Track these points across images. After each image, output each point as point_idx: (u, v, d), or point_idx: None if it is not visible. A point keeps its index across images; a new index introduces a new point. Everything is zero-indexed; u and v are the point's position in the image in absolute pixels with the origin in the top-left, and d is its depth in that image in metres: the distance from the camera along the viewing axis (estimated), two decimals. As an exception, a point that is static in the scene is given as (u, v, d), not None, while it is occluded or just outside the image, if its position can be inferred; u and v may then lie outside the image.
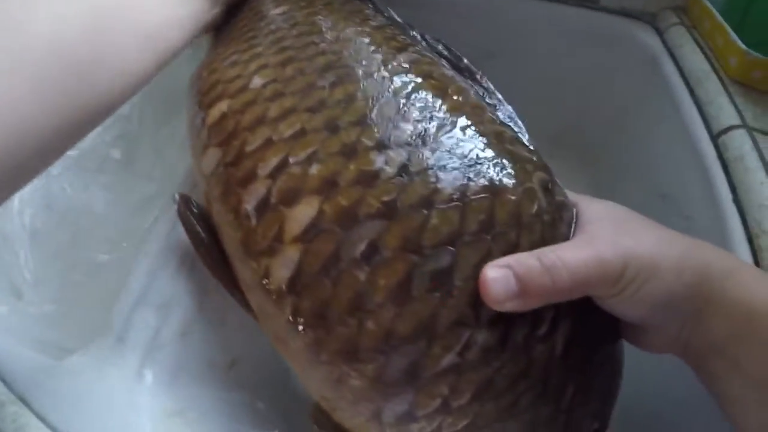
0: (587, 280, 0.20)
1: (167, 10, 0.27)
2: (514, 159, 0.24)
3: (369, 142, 0.23)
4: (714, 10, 0.43)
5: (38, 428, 0.24)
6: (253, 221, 0.23)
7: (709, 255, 0.21)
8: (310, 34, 0.29)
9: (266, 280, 0.22)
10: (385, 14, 0.33)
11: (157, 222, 0.33)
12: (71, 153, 0.44)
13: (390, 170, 0.22)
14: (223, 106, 0.27)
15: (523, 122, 0.27)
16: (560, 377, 0.22)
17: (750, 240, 0.32)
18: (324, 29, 0.30)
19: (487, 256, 0.21)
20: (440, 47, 0.30)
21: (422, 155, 0.22)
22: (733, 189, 0.35)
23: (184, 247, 0.31)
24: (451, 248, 0.21)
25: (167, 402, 0.27)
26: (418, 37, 0.31)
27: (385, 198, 0.21)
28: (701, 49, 0.43)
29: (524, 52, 0.48)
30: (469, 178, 0.22)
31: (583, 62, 0.48)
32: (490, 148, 0.23)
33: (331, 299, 0.21)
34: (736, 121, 0.37)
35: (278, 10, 0.34)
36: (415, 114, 0.24)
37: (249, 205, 0.23)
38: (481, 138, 0.24)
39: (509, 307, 0.20)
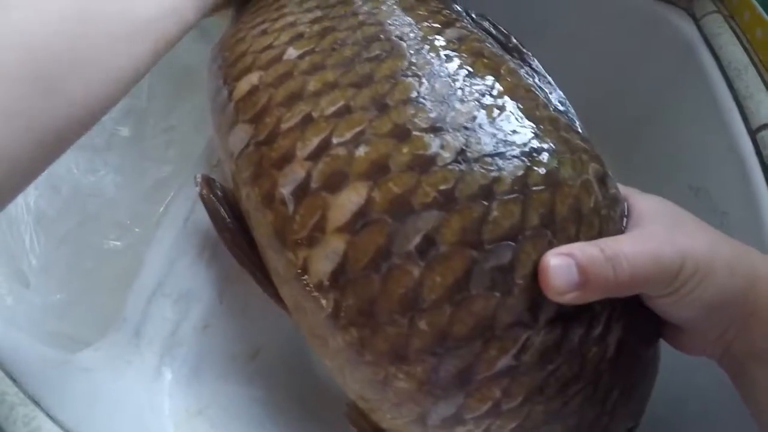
0: (646, 276, 0.19)
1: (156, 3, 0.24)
2: (571, 149, 0.22)
3: (423, 124, 0.21)
4: (754, 1, 0.42)
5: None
6: (290, 208, 0.21)
7: (757, 261, 0.21)
8: (347, 4, 0.27)
9: (304, 273, 0.21)
10: None
11: (172, 206, 0.31)
12: None
13: (447, 155, 0.20)
14: (253, 79, 0.25)
15: None
16: (609, 380, 0.22)
17: (789, 242, 0.31)
18: (362, 0, 0.27)
19: None
20: (486, 24, 0.28)
21: (480, 140, 0.20)
22: (772, 187, 0.34)
23: (203, 233, 0.29)
24: (512, 243, 0.19)
25: (189, 401, 0.26)
26: (463, 12, 0.29)
27: (443, 186, 0.20)
28: (739, 40, 0.42)
29: (557, 34, 0.47)
30: (529, 168, 0.20)
31: (618, 46, 0.46)
32: (547, 135, 0.22)
33: (379, 296, 0.19)
34: (778, 118, 0.36)
35: None
36: (470, 94, 0.22)
37: (285, 189, 0.21)
38: (537, 124, 0.22)
39: (568, 298, 0.19)
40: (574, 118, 0.25)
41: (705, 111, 0.40)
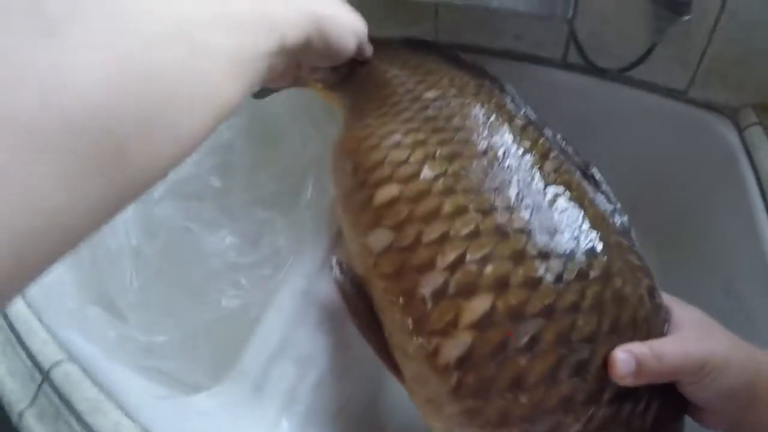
0: (680, 369, 0.26)
1: (229, 55, 0.21)
2: (631, 269, 0.29)
3: (533, 251, 0.28)
4: (792, 118, 0.47)
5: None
6: (429, 305, 0.28)
7: (761, 359, 0.28)
8: (468, 131, 0.34)
9: (435, 356, 0.27)
10: (522, 109, 0.38)
11: (290, 276, 0.36)
12: (168, 177, 0.47)
13: (550, 277, 0.27)
14: (393, 190, 0.31)
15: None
16: None
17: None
18: (479, 126, 0.34)
19: None
20: (570, 150, 0.35)
21: (573, 265, 0.28)
22: (794, 296, 0.39)
23: (322, 307, 0.35)
24: (590, 344, 0.26)
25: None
26: (551, 136, 0.36)
27: (547, 301, 0.27)
28: (776, 153, 0.47)
29: (610, 132, 0.52)
30: (604, 288, 0.28)
31: (664, 149, 0.52)
32: (615, 259, 0.29)
33: (494, 377, 0.26)
34: (802, 233, 0.42)
35: (431, 94, 0.37)
36: (565, 228, 0.29)
37: (425, 290, 0.28)
38: (609, 250, 0.29)
39: (627, 381, 0.26)
40: (634, 239, 0.32)
41: (740, 218, 0.45)
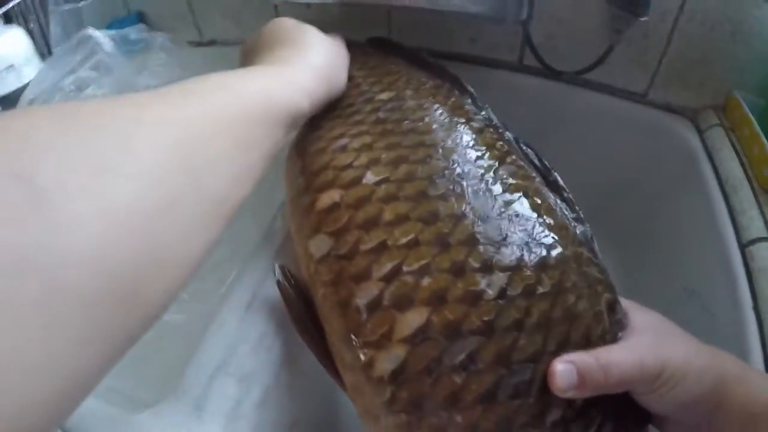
0: (631, 379, 0.25)
1: (234, 170, 0.22)
2: (589, 283, 0.28)
3: (475, 264, 0.26)
4: (752, 118, 0.47)
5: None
6: (364, 316, 0.27)
7: (726, 363, 0.26)
8: (420, 133, 0.33)
9: (370, 368, 0.26)
10: (482, 111, 0.37)
11: (233, 290, 0.35)
12: None
13: (491, 293, 0.26)
14: (334, 195, 0.30)
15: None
16: None
17: (764, 346, 0.36)
18: (431, 129, 0.33)
19: None
20: (531, 153, 0.34)
21: (518, 281, 0.26)
22: (755, 297, 0.39)
23: (265, 321, 0.34)
24: (533, 364, 0.25)
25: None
26: (512, 139, 0.35)
27: (486, 318, 0.25)
28: (738, 155, 0.47)
29: (572, 135, 0.52)
30: (553, 305, 0.26)
31: (625, 152, 0.51)
32: (570, 273, 0.27)
33: (428, 394, 0.25)
34: (764, 233, 0.41)
35: (384, 96, 0.36)
36: (515, 239, 0.27)
37: (361, 300, 0.27)
38: (564, 263, 0.27)
39: (569, 394, 0.24)
40: (596, 249, 0.30)
41: (702, 220, 0.45)
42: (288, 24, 0.36)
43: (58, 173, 0.15)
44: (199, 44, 0.66)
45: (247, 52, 0.36)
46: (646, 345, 0.26)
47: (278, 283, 0.32)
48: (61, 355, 0.14)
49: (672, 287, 0.46)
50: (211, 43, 0.66)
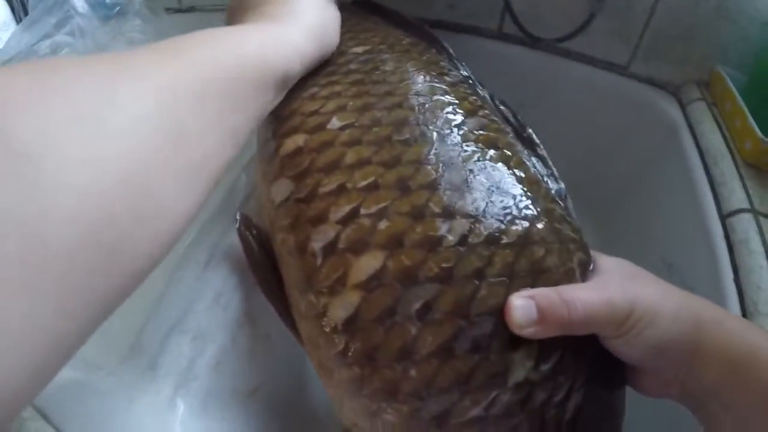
0: (597, 318, 0.23)
1: (222, 129, 0.22)
2: (560, 239, 0.26)
3: (436, 209, 0.25)
4: (735, 92, 0.46)
5: (62, 450, 0.23)
6: (319, 260, 0.25)
7: (701, 306, 0.24)
8: (387, 83, 0.31)
9: (323, 316, 0.24)
10: (459, 68, 0.35)
11: (192, 250, 0.34)
12: None
13: (451, 238, 0.24)
14: (299, 140, 0.29)
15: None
16: None
17: (745, 317, 0.35)
18: (402, 80, 0.32)
19: None
20: (506, 110, 0.32)
21: (481, 228, 0.24)
22: (735, 269, 0.37)
23: (222, 279, 0.32)
24: (494, 318, 0.23)
25: (198, 431, 0.28)
26: (487, 97, 0.33)
27: (444, 264, 0.23)
28: (720, 128, 0.46)
29: (550, 107, 0.51)
30: (518, 255, 0.24)
31: (606, 123, 0.50)
32: (541, 226, 0.26)
33: (381, 344, 0.23)
34: (745, 204, 0.40)
35: (359, 49, 0.35)
36: (479, 186, 0.26)
37: (317, 244, 0.25)
38: (534, 215, 0.26)
39: (528, 332, 0.22)
40: (570, 208, 0.28)
41: (682, 192, 0.44)
42: None
43: (37, 127, 0.14)
44: (178, 10, 0.64)
45: (235, 9, 0.34)
46: (615, 284, 0.24)
47: (238, 230, 0.30)
48: (42, 313, 0.14)
49: (651, 260, 0.44)
50: (190, 9, 0.64)
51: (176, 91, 0.19)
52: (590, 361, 0.25)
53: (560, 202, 0.28)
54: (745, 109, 0.44)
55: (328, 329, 0.24)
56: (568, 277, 0.25)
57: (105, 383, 0.28)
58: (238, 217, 0.31)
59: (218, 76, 0.22)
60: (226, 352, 0.32)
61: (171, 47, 0.21)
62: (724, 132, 0.46)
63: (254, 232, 0.31)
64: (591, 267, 0.26)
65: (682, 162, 0.45)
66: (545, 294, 0.23)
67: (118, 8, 0.59)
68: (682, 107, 0.48)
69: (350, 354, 0.24)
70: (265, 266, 0.29)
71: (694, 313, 0.23)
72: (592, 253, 0.28)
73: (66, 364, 0.16)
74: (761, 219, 0.39)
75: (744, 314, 0.35)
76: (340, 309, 0.24)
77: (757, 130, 0.42)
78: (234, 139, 0.23)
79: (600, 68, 0.49)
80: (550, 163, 0.30)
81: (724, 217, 0.40)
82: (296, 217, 0.27)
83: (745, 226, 0.39)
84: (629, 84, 0.49)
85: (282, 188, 0.28)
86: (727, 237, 0.39)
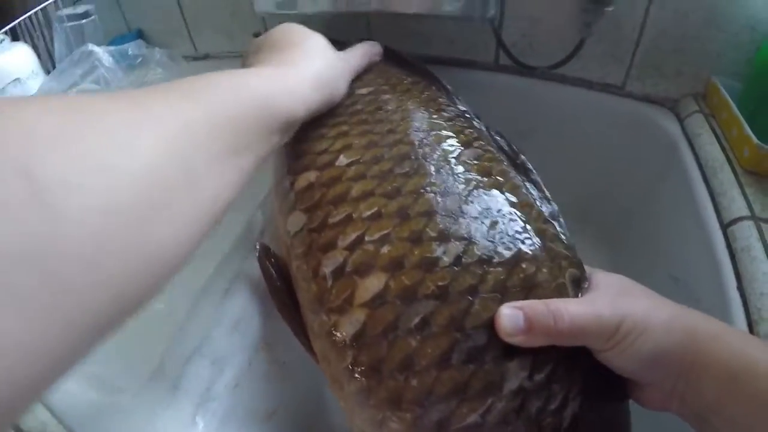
0: (585, 330, 0.24)
1: (228, 168, 0.23)
2: (552, 256, 0.28)
3: (432, 233, 0.27)
4: (731, 102, 0.47)
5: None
6: (329, 282, 0.28)
7: (697, 319, 0.24)
8: (389, 122, 0.35)
9: (334, 332, 0.27)
10: (457, 104, 0.38)
11: (212, 281, 0.37)
12: None
13: (447, 260, 0.26)
14: (311, 176, 0.32)
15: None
16: None
17: (750, 326, 0.35)
18: (403, 117, 0.35)
19: None
20: (501, 141, 0.35)
21: (475, 249, 0.27)
22: (738, 277, 0.38)
23: (240, 308, 0.35)
24: (488, 331, 0.25)
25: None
26: (484, 129, 0.36)
27: (440, 283, 0.26)
28: (717, 138, 0.47)
29: (551, 132, 0.52)
30: (510, 273, 0.26)
31: (607, 144, 0.51)
32: (533, 246, 0.28)
33: (385, 357, 0.25)
34: (746, 212, 0.41)
35: (364, 90, 0.38)
36: (473, 211, 0.28)
37: (327, 268, 0.28)
38: (526, 236, 0.28)
39: (517, 340, 0.24)
40: (564, 228, 0.30)
41: (684, 205, 0.44)
42: (295, 29, 0.36)
43: (60, 170, 0.15)
44: (195, 58, 0.69)
45: (252, 52, 0.36)
46: (605, 299, 0.25)
47: (259, 258, 0.33)
48: (48, 338, 0.15)
49: (658, 276, 0.45)
50: (206, 57, 0.68)
51: (188, 134, 0.20)
52: (585, 373, 0.26)
53: (553, 222, 0.30)
54: (740, 117, 0.45)
55: (338, 344, 0.27)
56: (559, 292, 0.26)
57: (130, 403, 0.30)
58: (258, 247, 0.34)
59: (226, 119, 0.23)
60: (243, 375, 0.35)
61: (185, 88, 0.23)
62: (722, 142, 0.46)
63: (273, 260, 0.34)
64: (586, 284, 0.28)
65: (683, 176, 0.45)
66: (533, 304, 0.24)
67: (140, 59, 0.64)
68: (680, 121, 0.49)
69: (358, 366, 0.26)
70: (283, 291, 0.32)
71: (689, 325, 0.24)
72: (589, 269, 0.29)
73: (59, 380, 0.17)
74: (762, 225, 0.40)
75: (749, 322, 0.35)
76: (349, 325, 0.26)
77: (753, 137, 0.43)
78: (238, 180, 0.24)
79: (596, 90, 0.51)
80: (543, 186, 0.32)
81: (725, 227, 0.41)
82: (309, 246, 0.30)
83: (746, 233, 0.39)
84: (627, 103, 0.50)
85: (296, 220, 0.31)
86: (729, 246, 0.40)
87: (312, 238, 0.30)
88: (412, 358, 0.25)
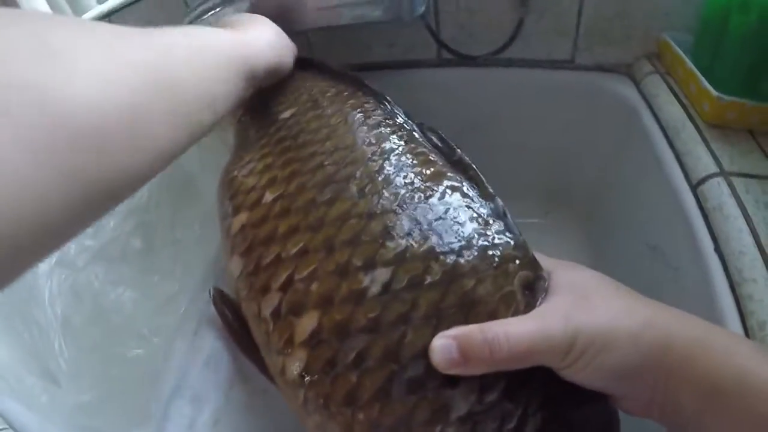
0: (532, 352, 0.22)
1: (203, 89, 0.26)
2: (497, 263, 0.25)
3: (358, 262, 0.26)
4: (685, 57, 0.45)
5: None
6: (271, 325, 0.27)
7: (672, 324, 0.22)
8: (312, 144, 0.33)
9: (283, 374, 0.26)
10: (387, 105, 0.36)
11: (184, 321, 0.37)
12: (92, 244, 0.49)
13: (374, 289, 0.25)
14: (243, 218, 0.31)
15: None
16: None
17: (732, 288, 0.34)
18: (324, 137, 0.34)
19: None
20: (434, 138, 0.33)
21: (403, 273, 0.25)
22: (714, 238, 0.36)
23: (210, 345, 0.35)
24: (425, 359, 0.23)
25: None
26: (415, 130, 0.34)
27: (371, 315, 0.24)
28: (676, 96, 0.45)
29: (507, 118, 0.51)
30: (445, 293, 0.24)
31: (565, 121, 0.50)
32: (469, 255, 0.26)
33: (330, 393, 0.24)
34: (714, 169, 0.39)
35: (287, 114, 0.37)
36: (400, 231, 0.26)
37: (266, 311, 0.27)
38: (461, 246, 0.26)
39: (454, 371, 0.22)
40: (509, 226, 0.27)
41: (651, 170, 0.43)
42: (246, 14, 0.40)
43: (69, 38, 0.18)
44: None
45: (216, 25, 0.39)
46: (557, 312, 0.22)
47: (214, 304, 0.33)
48: (44, 175, 0.16)
49: (635, 246, 0.43)
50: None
51: (168, 53, 0.23)
52: (546, 383, 0.24)
53: (496, 222, 0.28)
54: (696, 71, 0.43)
55: (289, 384, 0.26)
56: (506, 303, 0.24)
57: None
58: (212, 291, 0.34)
59: (202, 52, 0.26)
60: (222, 410, 0.35)
61: (162, 29, 0.25)
62: (682, 100, 0.45)
63: (228, 304, 0.33)
64: (545, 283, 0.25)
65: (646, 140, 0.44)
66: (467, 332, 0.22)
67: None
68: (637, 84, 0.48)
69: (309, 403, 0.25)
70: (242, 333, 0.32)
71: (663, 334, 0.21)
72: (550, 264, 0.27)
73: (61, 239, 0.18)
74: (733, 179, 0.38)
75: (731, 284, 0.34)
76: (294, 365, 0.26)
77: (711, 89, 0.41)
78: (211, 106, 0.27)
79: (546, 68, 0.49)
80: (485, 182, 0.30)
81: (694, 187, 0.39)
82: (249, 289, 0.29)
83: (717, 191, 0.37)
84: (579, 76, 0.49)
85: (236, 264, 0.31)
86: (701, 207, 0.38)
87: (251, 281, 0.29)
88: (355, 394, 0.24)
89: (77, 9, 0.72)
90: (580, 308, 0.22)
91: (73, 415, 0.41)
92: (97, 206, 0.19)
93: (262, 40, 0.35)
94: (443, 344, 0.22)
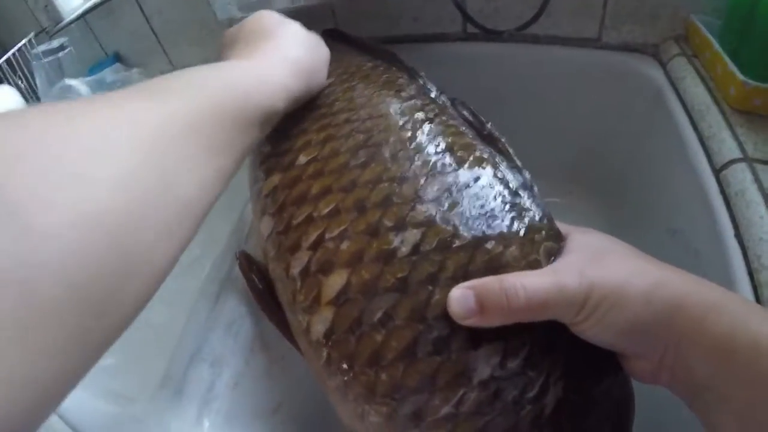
0: (547, 304, 0.22)
1: (207, 168, 0.22)
2: (525, 231, 0.26)
3: (389, 223, 0.27)
4: (713, 40, 0.44)
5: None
6: (298, 283, 0.28)
7: (687, 286, 0.21)
8: (347, 111, 0.34)
9: (308, 332, 0.27)
10: (420, 80, 0.37)
11: (206, 286, 0.38)
12: None
13: (404, 249, 0.26)
14: (275, 179, 0.32)
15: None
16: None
17: (751, 275, 0.34)
18: (359, 105, 0.34)
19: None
20: (466, 112, 0.34)
21: (433, 235, 0.26)
22: (735, 224, 0.36)
23: (232, 310, 0.36)
24: (450, 320, 0.24)
25: (224, 446, 0.31)
26: (447, 103, 0.35)
27: (399, 275, 0.25)
28: (702, 79, 0.44)
29: (533, 95, 0.50)
30: (472, 256, 0.25)
31: (591, 100, 0.49)
32: (499, 223, 0.26)
33: (355, 352, 0.25)
34: (737, 154, 0.39)
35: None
36: (431, 195, 0.27)
37: (295, 270, 0.28)
38: (491, 212, 0.27)
39: (471, 322, 0.23)
40: (536, 199, 0.28)
41: (675, 154, 0.43)
42: (269, 17, 0.35)
43: (29, 185, 0.14)
44: (172, 74, 0.69)
45: (227, 44, 0.35)
46: (572, 267, 0.23)
47: (240, 266, 0.34)
48: (33, 365, 0.14)
49: (656, 229, 0.43)
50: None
51: (161, 137, 0.20)
52: (568, 352, 0.24)
53: (524, 193, 0.29)
54: (724, 54, 0.43)
55: (313, 343, 0.27)
56: (532, 267, 0.25)
57: (141, 412, 0.32)
58: (238, 255, 0.34)
59: (202, 117, 0.22)
60: (241, 374, 0.36)
61: (161, 88, 0.22)
62: (708, 83, 0.44)
63: (254, 266, 0.34)
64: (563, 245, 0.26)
65: (671, 122, 0.44)
66: (485, 283, 0.23)
67: (118, 84, 0.65)
68: (663, 66, 0.47)
69: (332, 364, 0.26)
70: (266, 294, 0.33)
71: (676, 294, 0.21)
72: (566, 229, 0.27)
73: (61, 402, 0.16)
74: (756, 166, 0.38)
75: (749, 270, 0.34)
76: (319, 324, 0.26)
77: (738, 73, 0.41)
78: (219, 180, 0.23)
79: (572, 46, 0.48)
80: (513, 155, 0.31)
81: (717, 172, 0.39)
82: (278, 248, 0.30)
83: (740, 176, 0.37)
84: (605, 55, 0.48)
85: (266, 224, 0.32)
86: (722, 192, 0.38)
87: (280, 240, 0.30)
88: (379, 353, 0.24)
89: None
90: (595, 265, 0.23)
91: (94, 377, 0.42)
92: (95, 356, 0.17)
93: (285, 69, 0.30)
94: (461, 294, 0.23)
